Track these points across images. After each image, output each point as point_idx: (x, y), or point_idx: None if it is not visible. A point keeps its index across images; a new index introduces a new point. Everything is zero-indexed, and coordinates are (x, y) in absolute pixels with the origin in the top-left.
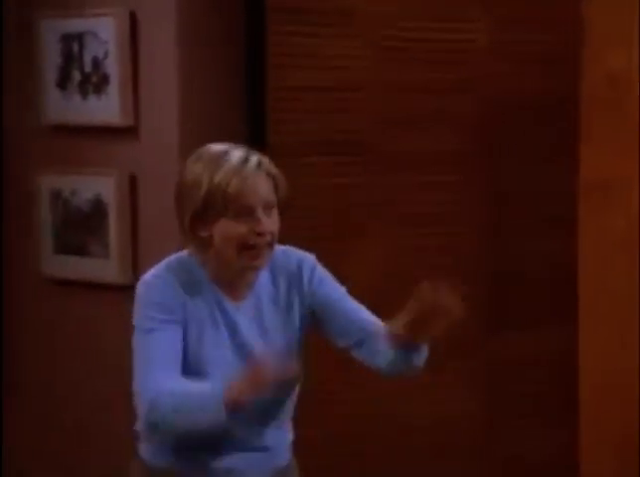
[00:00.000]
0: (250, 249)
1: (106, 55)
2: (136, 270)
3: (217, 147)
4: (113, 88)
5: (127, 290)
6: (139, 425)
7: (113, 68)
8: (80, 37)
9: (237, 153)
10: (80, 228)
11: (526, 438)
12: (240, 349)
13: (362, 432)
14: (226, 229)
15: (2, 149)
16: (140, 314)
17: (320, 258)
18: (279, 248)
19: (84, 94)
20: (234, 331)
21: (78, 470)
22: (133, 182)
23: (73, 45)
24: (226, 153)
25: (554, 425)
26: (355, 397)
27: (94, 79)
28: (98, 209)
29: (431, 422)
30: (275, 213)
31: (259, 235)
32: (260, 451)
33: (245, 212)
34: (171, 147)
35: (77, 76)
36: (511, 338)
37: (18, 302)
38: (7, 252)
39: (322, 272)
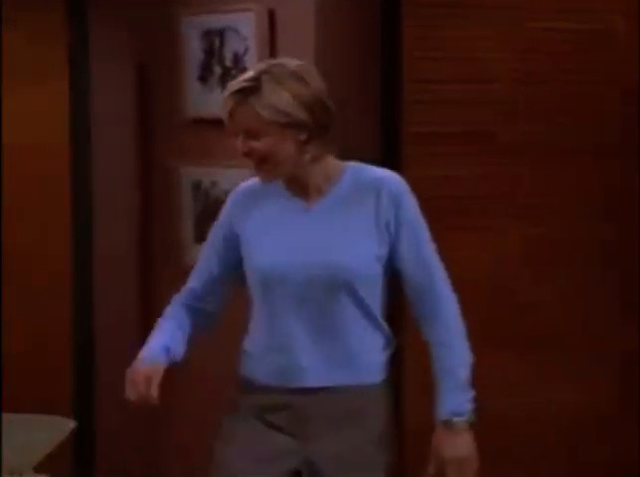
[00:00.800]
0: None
1: (246, 51)
2: None
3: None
4: None
5: None
6: None
7: (253, 63)
8: (220, 33)
9: (244, 75)
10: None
11: None
12: (299, 245)
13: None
14: None
15: (151, 141)
16: None
17: (446, 247)
18: (370, 167)
19: (225, 88)
20: (299, 230)
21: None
22: None
23: (214, 40)
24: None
25: None
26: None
27: (235, 73)
28: None
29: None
30: (272, 134)
31: (242, 154)
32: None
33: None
34: None
35: (217, 70)
36: None
37: (160, 292)
38: (152, 243)
39: (408, 207)
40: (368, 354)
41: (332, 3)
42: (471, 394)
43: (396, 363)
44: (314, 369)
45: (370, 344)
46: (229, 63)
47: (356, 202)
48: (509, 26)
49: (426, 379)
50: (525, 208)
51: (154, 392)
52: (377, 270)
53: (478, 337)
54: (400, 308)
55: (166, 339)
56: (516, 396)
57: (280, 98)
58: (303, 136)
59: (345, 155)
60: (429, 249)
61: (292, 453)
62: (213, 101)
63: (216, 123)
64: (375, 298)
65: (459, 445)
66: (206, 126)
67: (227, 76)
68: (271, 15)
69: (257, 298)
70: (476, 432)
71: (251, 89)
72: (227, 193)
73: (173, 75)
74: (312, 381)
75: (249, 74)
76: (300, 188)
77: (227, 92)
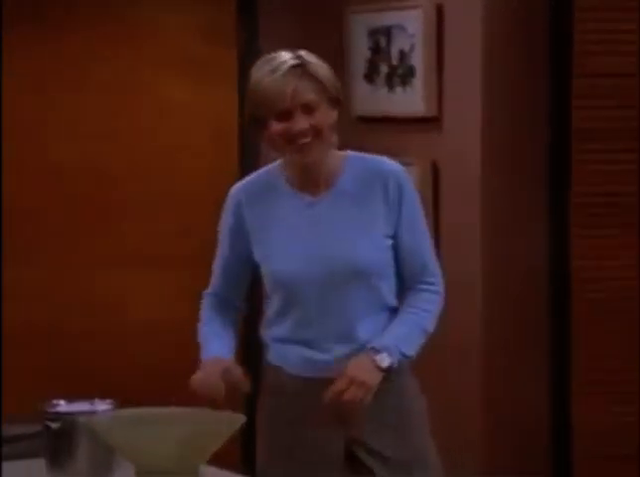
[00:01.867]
0: (293, 144)
1: (413, 48)
2: (439, 255)
3: (273, 54)
4: (418, 80)
5: None
6: None
7: (419, 60)
8: (387, 30)
9: (280, 57)
10: None
11: None
12: (311, 239)
13: None
14: (270, 128)
15: None
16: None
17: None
18: (371, 157)
19: (391, 87)
20: (307, 222)
21: None
22: (435, 171)
23: (380, 38)
24: (273, 58)
25: None
26: None
27: (400, 71)
28: None
29: None
30: (322, 109)
31: (296, 134)
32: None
33: (281, 112)
34: (473, 137)
35: (384, 68)
36: None
37: None
38: None
39: (410, 194)
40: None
41: None
42: (407, 351)
43: None
44: (337, 360)
45: (379, 325)
46: (395, 61)
47: (364, 193)
48: None
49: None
50: None
51: (242, 378)
52: (387, 258)
53: None
54: None
55: (220, 344)
56: None
57: (328, 72)
58: (336, 115)
59: (512, 151)
60: (426, 240)
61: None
62: (379, 100)
63: (381, 121)
64: (388, 285)
65: (365, 374)
66: (371, 124)
67: (392, 74)
68: (439, 11)
69: (274, 293)
70: None
71: (304, 65)
72: None
73: (340, 73)
74: (336, 370)
75: (287, 55)
76: (308, 179)
77: (282, 71)
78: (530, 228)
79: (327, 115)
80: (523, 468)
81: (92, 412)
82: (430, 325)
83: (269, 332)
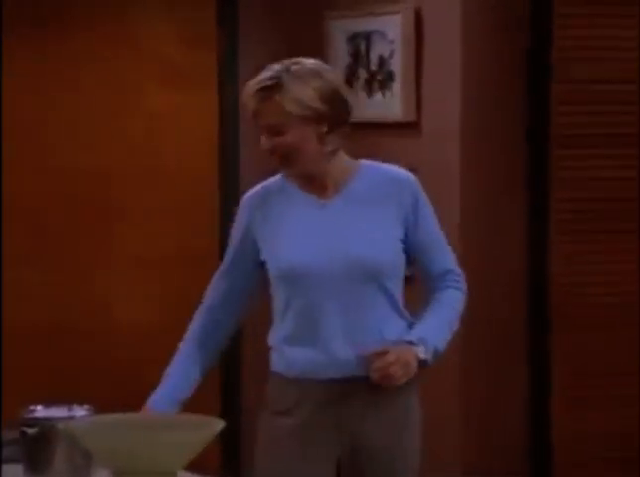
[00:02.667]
0: (275, 159)
1: (392, 53)
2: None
3: (267, 66)
4: (397, 86)
5: (409, 282)
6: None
7: (398, 65)
8: (367, 36)
9: (262, 74)
10: None
11: None
12: (321, 239)
13: None
14: None
15: None
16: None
17: (578, 251)
18: (386, 165)
19: (370, 92)
20: (319, 220)
21: None
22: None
23: (360, 44)
24: (260, 74)
25: None
26: None
27: (379, 76)
28: None
29: None
30: (293, 129)
31: (266, 152)
32: None
33: (260, 128)
34: (453, 142)
35: (363, 74)
36: None
37: None
38: None
39: (424, 200)
40: (394, 342)
41: (480, 3)
42: (440, 347)
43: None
44: (345, 360)
45: (395, 332)
46: (374, 66)
47: (377, 196)
48: None
49: (573, 393)
50: None
51: None
52: (399, 260)
53: None
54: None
55: (177, 388)
56: None
57: (304, 93)
58: (324, 129)
59: (491, 156)
60: (445, 242)
61: (332, 445)
62: (357, 105)
63: (360, 127)
64: (398, 287)
65: (411, 356)
66: (350, 129)
67: (372, 79)
68: (418, 17)
69: (283, 295)
70: None
71: (275, 87)
72: None
73: None
74: (345, 371)
75: (268, 73)
76: (317, 184)
77: (249, 91)
78: (509, 233)
79: (303, 133)
80: None
81: (70, 418)
82: (457, 322)
83: (273, 333)
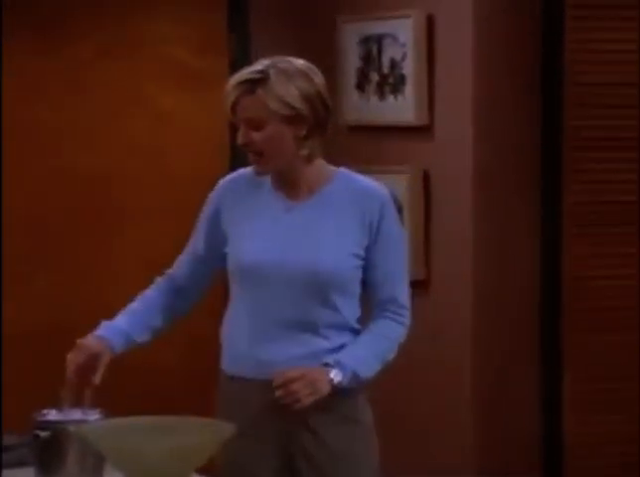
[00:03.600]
0: (249, 154)
1: (404, 56)
2: (429, 267)
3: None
4: (409, 89)
5: (422, 286)
6: None
7: (410, 69)
8: (379, 39)
9: (250, 67)
10: None
11: None
12: (280, 241)
13: None
14: None
15: None
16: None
17: (591, 253)
18: (362, 177)
19: (381, 95)
20: (282, 223)
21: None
22: (427, 180)
23: (372, 47)
24: (248, 67)
25: None
26: None
27: (391, 80)
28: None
29: None
30: (271, 126)
31: (240, 145)
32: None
33: (237, 120)
34: (465, 146)
35: (374, 77)
36: None
37: None
38: None
39: (390, 221)
40: (334, 353)
41: (491, 7)
42: (362, 373)
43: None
44: (286, 364)
45: (338, 343)
46: (385, 70)
47: (344, 206)
48: None
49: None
50: None
51: (97, 377)
52: (351, 275)
53: None
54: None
55: (128, 322)
56: None
57: (288, 91)
58: (303, 132)
59: (504, 158)
60: (400, 270)
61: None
62: (369, 108)
63: (372, 130)
64: (348, 303)
65: (319, 375)
66: (362, 133)
67: (383, 83)
68: (430, 20)
69: (233, 288)
70: None
71: (260, 81)
72: None
73: (331, 82)
74: (268, 374)
75: (257, 66)
76: (289, 185)
77: (233, 82)
78: (523, 237)
79: (281, 132)
80: None
81: (82, 421)
82: (389, 353)
83: (223, 331)
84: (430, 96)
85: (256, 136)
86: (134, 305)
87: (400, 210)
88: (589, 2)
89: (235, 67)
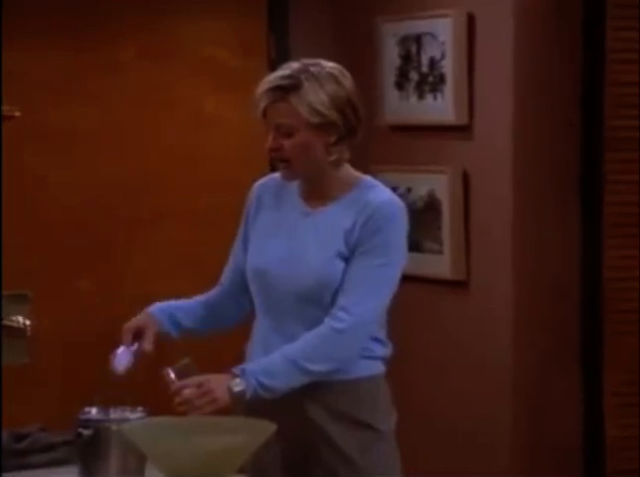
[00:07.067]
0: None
1: (443, 55)
2: (469, 267)
3: (287, 63)
4: (449, 88)
5: (462, 286)
6: None
7: (449, 68)
8: (418, 38)
9: (279, 71)
10: (415, 224)
11: None
12: (287, 249)
13: None
14: None
15: None
16: None
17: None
18: (376, 189)
19: (421, 95)
20: (291, 236)
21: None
22: (466, 179)
23: (411, 46)
24: (280, 68)
25: None
26: None
27: (431, 79)
28: (432, 205)
29: None
30: (301, 133)
31: (267, 151)
32: None
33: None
34: (505, 145)
35: (414, 76)
36: None
37: None
38: None
39: (386, 233)
40: None
41: (532, 7)
42: (269, 383)
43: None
44: None
45: None
46: (425, 69)
47: (346, 216)
48: None
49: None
50: None
51: (147, 343)
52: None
53: None
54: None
55: (173, 305)
56: None
57: (319, 99)
58: (333, 138)
59: (544, 158)
60: (372, 285)
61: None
62: (409, 108)
63: (412, 129)
64: None
65: (216, 385)
66: (402, 132)
67: (423, 82)
68: (470, 20)
69: (255, 302)
70: None
71: (292, 87)
72: (422, 198)
73: (371, 81)
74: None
75: (287, 71)
76: (312, 190)
77: (263, 87)
78: (562, 237)
79: (310, 139)
80: None
81: (124, 420)
82: (311, 363)
83: (249, 344)
84: (470, 96)
85: (286, 143)
86: (189, 300)
87: (439, 210)
88: (631, 2)
89: (274, 67)
